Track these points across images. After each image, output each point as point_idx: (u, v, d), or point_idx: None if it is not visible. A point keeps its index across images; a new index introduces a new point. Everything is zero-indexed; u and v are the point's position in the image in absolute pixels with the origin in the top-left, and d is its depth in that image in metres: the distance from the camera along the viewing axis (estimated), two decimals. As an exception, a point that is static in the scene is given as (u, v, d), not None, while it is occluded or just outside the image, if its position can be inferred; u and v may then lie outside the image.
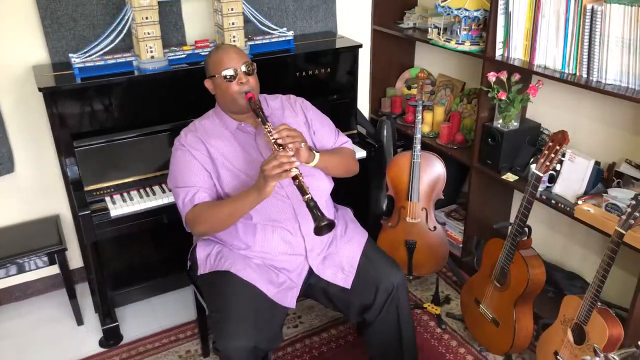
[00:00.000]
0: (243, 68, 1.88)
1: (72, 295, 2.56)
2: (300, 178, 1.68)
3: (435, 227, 2.67)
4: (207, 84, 1.97)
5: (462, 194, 3.29)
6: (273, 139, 1.74)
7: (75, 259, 2.76)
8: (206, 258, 1.97)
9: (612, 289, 2.39)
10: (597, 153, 2.34)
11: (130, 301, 2.69)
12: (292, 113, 2.06)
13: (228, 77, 1.87)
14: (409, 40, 3.30)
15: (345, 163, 2.06)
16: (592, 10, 2.03)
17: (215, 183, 1.89)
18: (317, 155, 1.87)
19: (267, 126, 1.78)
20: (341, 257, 1.98)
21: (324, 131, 2.08)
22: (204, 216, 1.83)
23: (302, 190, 1.67)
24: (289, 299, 1.90)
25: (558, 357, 2.07)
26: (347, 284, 1.93)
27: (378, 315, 1.93)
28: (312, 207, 1.66)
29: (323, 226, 1.65)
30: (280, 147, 1.72)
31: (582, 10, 2.07)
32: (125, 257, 2.66)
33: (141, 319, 2.63)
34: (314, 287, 1.98)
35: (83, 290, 2.77)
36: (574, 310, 2.00)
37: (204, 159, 1.89)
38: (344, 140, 2.14)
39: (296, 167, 1.68)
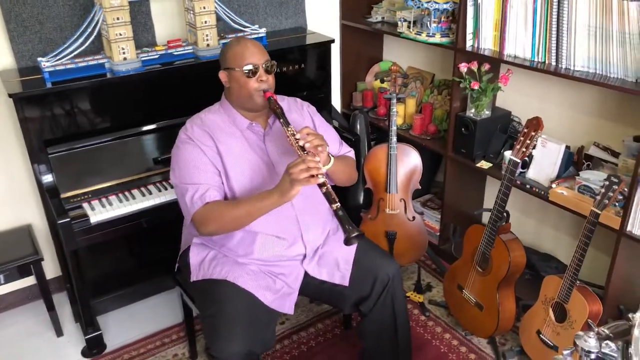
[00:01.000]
0: (264, 65, 1.84)
1: (50, 307, 2.49)
2: (328, 185, 1.65)
3: (414, 217, 2.72)
4: (222, 75, 1.90)
5: (435, 183, 3.35)
6: (297, 142, 1.71)
7: (49, 269, 2.68)
8: (199, 264, 1.92)
9: (585, 267, 2.49)
10: (566, 137, 2.43)
11: (112, 308, 2.63)
12: (300, 116, 2.03)
13: (248, 72, 1.82)
14: (377, 34, 3.34)
15: (349, 171, 2.05)
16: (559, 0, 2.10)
17: (223, 182, 1.85)
18: (332, 159, 1.85)
19: (289, 129, 1.75)
20: (336, 255, 1.97)
21: (329, 138, 2.01)
22: (216, 215, 1.78)
23: (331, 198, 1.64)
24: (287, 306, 1.89)
25: (541, 335, 2.15)
26: (345, 281, 1.94)
27: (374, 306, 1.95)
28: (342, 217, 1.62)
29: (353, 237, 1.62)
30: (305, 151, 1.70)
31: None
32: (104, 263, 2.61)
33: (124, 325, 2.58)
34: (308, 285, 1.97)
35: (60, 301, 2.70)
36: (555, 290, 2.07)
37: (214, 155, 1.84)
38: (347, 150, 2.13)
39: (322, 174, 1.65)
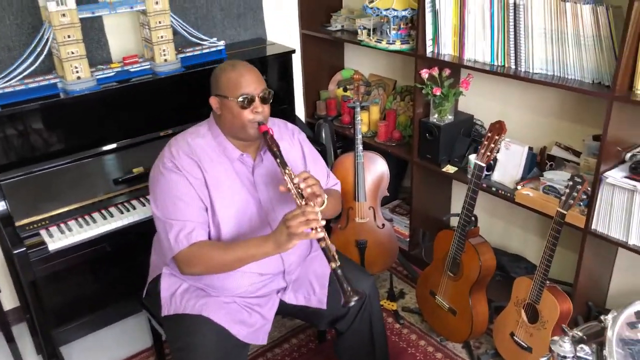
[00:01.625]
0: (260, 95, 1.72)
1: (9, 339, 2.38)
2: (327, 241, 1.58)
3: (383, 225, 2.71)
4: (213, 102, 1.75)
5: (403, 188, 3.36)
6: (295, 188, 1.62)
7: (6, 299, 2.56)
8: (170, 297, 1.82)
9: (553, 265, 2.51)
10: (528, 139, 2.46)
11: (75, 337, 2.52)
12: (290, 145, 1.93)
13: (243, 102, 1.69)
14: (337, 43, 3.33)
15: (337, 207, 1.98)
16: (515, 4, 2.13)
17: (209, 218, 1.73)
18: (326, 200, 1.74)
19: (287, 171, 1.65)
20: (310, 277, 1.91)
21: (317, 170, 1.97)
22: (203, 258, 1.67)
23: (329, 256, 1.57)
24: (260, 337, 1.82)
25: (514, 337, 2.16)
26: (323, 304, 1.88)
27: (351, 324, 1.91)
28: (340, 277, 1.56)
29: (354, 301, 1.55)
30: (302, 198, 1.62)
31: (506, 4, 2.16)
32: (64, 290, 2.50)
33: (89, 354, 2.48)
34: (283, 307, 1.92)
35: (19, 332, 2.57)
36: (526, 291, 2.09)
37: (201, 188, 1.71)
38: (334, 182, 2.06)
39: (322, 227, 1.57)
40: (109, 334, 2.59)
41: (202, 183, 1.73)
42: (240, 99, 1.69)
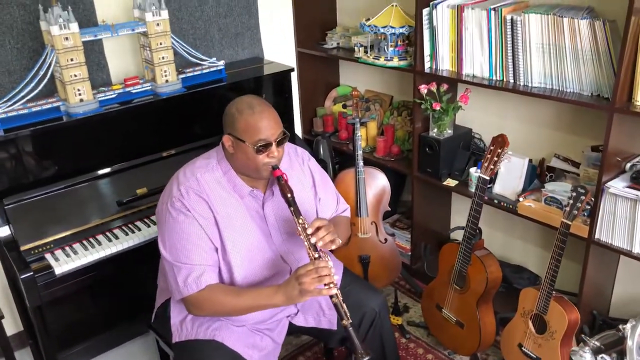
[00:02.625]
0: (276, 139, 1.67)
1: (13, 366, 2.33)
2: (339, 297, 1.58)
3: (386, 239, 2.72)
4: (227, 140, 1.70)
5: (401, 202, 3.38)
6: (308, 238, 1.61)
7: (8, 325, 2.52)
8: (181, 324, 1.80)
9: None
10: (527, 151, 2.49)
11: (80, 362, 2.50)
12: (301, 174, 1.91)
13: (260, 148, 1.65)
14: (332, 60, 3.37)
15: (346, 235, 1.98)
16: (512, 21, 2.18)
17: (219, 257, 1.72)
18: (340, 241, 1.72)
19: (300, 220, 1.63)
20: (319, 299, 1.89)
21: (327, 197, 1.97)
22: (212, 303, 1.67)
23: (341, 312, 1.57)
24: None
25: (523, 348, 2.17)
26: (333, 325, 1.88)
27: (362, 342, 1.90)
28: (352, 335, 1.56)
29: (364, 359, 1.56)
30: (316, 250, 1.62)
31: (503, 21, 2.21)
32: (68, 314, 2.47)
33: (95, 379, 2.45)
34: (293, 329, 1.92)
35: (21, 358, 2.53)
36: (532, 302, 2.10)
37: (211, 228, 1.69)
38: (343, 208, 2.05)
39: (334, 282, 1.57)
40: (115, 356, 2.56)
41: (213, 223, 1.70)
42: (258, 145, 1.65)
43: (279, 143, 1.69)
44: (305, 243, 1.63)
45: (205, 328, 1.75)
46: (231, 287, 1.73)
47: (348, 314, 1.57)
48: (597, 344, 1.29)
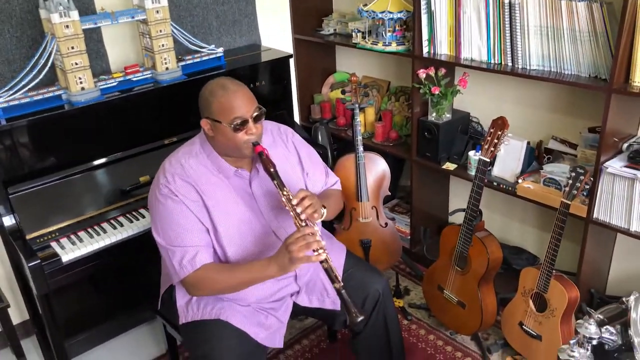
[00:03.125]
0: (253, 115, 1.69)
1: (19, 354, 2.35)
2: (330, 262, 1.61)
3: (386, 224, 2.75)
4: (204, 124, 1.73)
5: (400, 187, 3.41)
6: (294, 209, 1.64)
7: (13, 314, 2.53)
8: (187, 305, 1.84)
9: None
10: (525, 133, 2.53)
11: (86, 349, 2.50)
12: (285, 150, 1.93)
13: (237, 125, 1.68)
14: (329, 46, 3.37)
15: (338, 208, 2.01)
16: (510, 4, 2.19)
17: (212, 238, 1.75)
18: (325, 210, 1.76)
19: (284, 192, 1.66)
20: (322, 279, 1.93)
21: (315, 171, 2.00)
22: (208, 282, 1.70)
23: (332, 276, 1.60)
24: (277, 340, 1.85)
25: (524, 326, 2.22)
26: (337, 307, 1.91)
27: (366, 324, 1.94)
28: (344, 297, 1.59)
29: (359, 322, 1.59)
30: (302, 219, 1.64)
31: (501, 4, 2.23)
32: (74, 301, 2.48)
33: (101, 366, 2.48)
34: (297, 308, 1.94)
35: (26, 347, 2.54)
36: (533, 281, 2.15)
37: (200, 211, 1.72)
38: (333, 181, 2.08)
39: (323, 248, 1.60)
40: (121, 343, 2.58)
41: (201, 205, 1.73)
42: (234, 123, 1.67)
43: (256, 119, 1.71)
44: (292, 213, 1.66)
45: (211, 308, 1.79)
46: (226, 264, 1.77)
47: (339, 277, 1.61)
48: (601, 317, 1.33)
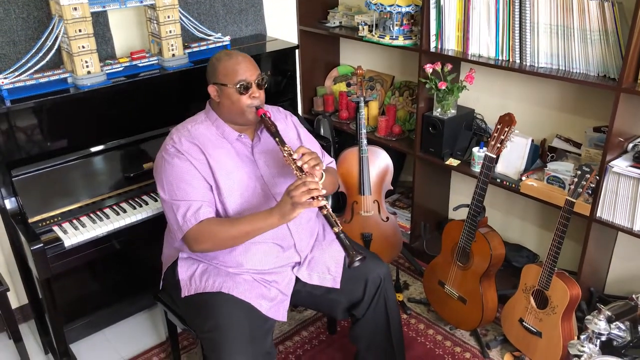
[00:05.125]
0: (256, 81, 1.81)
1: (17, 339, 2.32)
2: (329, 208, 1.66)
3: (388, 218, 2.75)
4: (211, 90, 1.85)
5: (400, 183, 3.41)
6: (295, 162, 1.71)
7: (12, 299, 2.50)
8: (190, 279, 1.87)
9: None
10: (529, 131, 2.54)
11: (85, 335, 2.50)
12: (285, 127, 2.01)
13: (241, 88, 1.79)
14: (333, 39, 3.36)
15: (334, 182, 2.07)
16: (521, 1, 2.19)
17: (215, 196, 1.81)
18: (324, 174, 1.83)
19: (286, 148, 1.75)
20: (325, 258, 1.97)
21: (312, 149, 2.01)
22: (211, 234, 1.74)
23: (332, 221, 1.65)
24: (281, 313, 1.87)
25: (524, 323, 2.23)
26: (336, 284, 1.93)
27: (367, 309, 1.95)
28: (343, 239, 1.64)
29: (357, 260, 1.62)
30: (302, 172, 1.70)
31: (511, 1, 2.23)
32: (73, 287, 2.46)
33: (101, 352, 2.45)
34: (299, 292, 1.95)
35: (23, 332, 2.52)
36: (534, 278, 2.16)
37: (205, 169, 1.79)
38: (329, 160, 2.14)
39: (323, 196, 1.66)
40: (120, 329, 2.57)
41: (205, 164, 1.80)
42: (238, 85, 1.78)
43: (259, 86, 1.83)
44: (292, 166, 1.73)
45: (213, 282, 1.82)
46: (227, 218, 1.83)
47: (338, 222, 1.66)
48: (609, 313, 1.34)
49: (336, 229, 1.65)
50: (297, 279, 1.94)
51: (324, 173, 1.83)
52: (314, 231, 2.03)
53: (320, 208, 1.67)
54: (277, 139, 1.77)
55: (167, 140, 1.85)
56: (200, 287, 1.83)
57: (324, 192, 1.67)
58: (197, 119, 1.91)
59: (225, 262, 1.86)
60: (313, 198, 1.64)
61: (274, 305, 1.85)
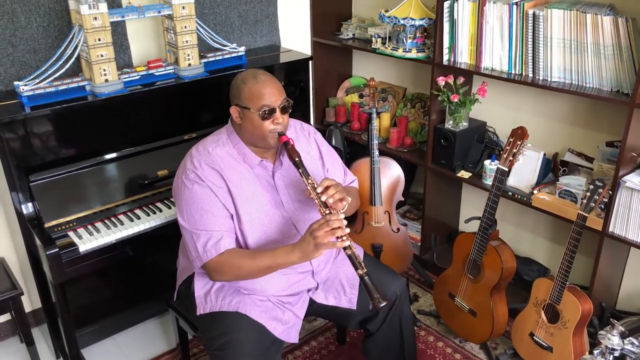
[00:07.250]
0: (280, 106, 1.75)
1: (29, 342, 2.35)
2: (353, 248, 1.64)
3: (398, 229, 2.75)
4: (233, 111, 1.79)
5: (410, 194, 3.42)
6: (319, 197, 1.66)
7: (25, 303, 2.53)
8: (205, 296, 1.85)
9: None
10: (541, 145, 2.54)
11: (94, 341, 2.51)
12: (307, 145, 1.97)
13: (264, 114, 1.73)
14: (346, 51, 3.39)
15: (356, 204, 2.03)
16: (534, 15, 2.21)
17: (235, 225, 1.78)
18: (347, 203, 1.76)
19: (309, 181, 1.69)
20: (340, 278, 1.95)
21: (335, 169, 2.03)
22: (232, 267, 1.72)
23: (356, 263, 1.62)
24: (293, 336, 1.87)
25: (534, 337, 2.22)
26: (353, 305, 1.92)
27: (381, 325, 1.95)
28: (368, 284, 1.61)
29: (382, 306, 1.61)
30: (326, 206, 1.67)
31: (524, 15, 2.24)
32: (85, 292, 2.49)
33: (109, 358, 2.47)
34: (312, 306, 1.95)
35: (35, 336, 2.54)
36: (546, 292, 2.15)
37: (225, 197, 1.75)
38: (351, 179, 2.10)
39: (347, 237, 1.62)
40: (131, 335, 2.59)
41: (226, 191, 1.76)
42: (262, 110, 1.72)
43: (283, 110, 1.76)
44: (316, 201, 1.68)
45: (229, 301, 1.80)
46: (249, 250, 1.80)
47: (363, 264, 1.63)
48: (622, 328, 1.33)
49: (360, 271, 1.62)
50: (312, 301, 1.94)
51: (350, 199, 1.77)
52: (331, 255, 2.02)
53: (344, 248, 1.63)
54: (300, 170, 1.71)
55: (187, 163, 1.79)
56: (216, 305, 1.82)
57: (347, 230, 1.63)
58: (219, 141, 1.84)
59: (242, 286, 1.85)
60: (337, 238, 1.61)
61: (287, 329, 1.84)
